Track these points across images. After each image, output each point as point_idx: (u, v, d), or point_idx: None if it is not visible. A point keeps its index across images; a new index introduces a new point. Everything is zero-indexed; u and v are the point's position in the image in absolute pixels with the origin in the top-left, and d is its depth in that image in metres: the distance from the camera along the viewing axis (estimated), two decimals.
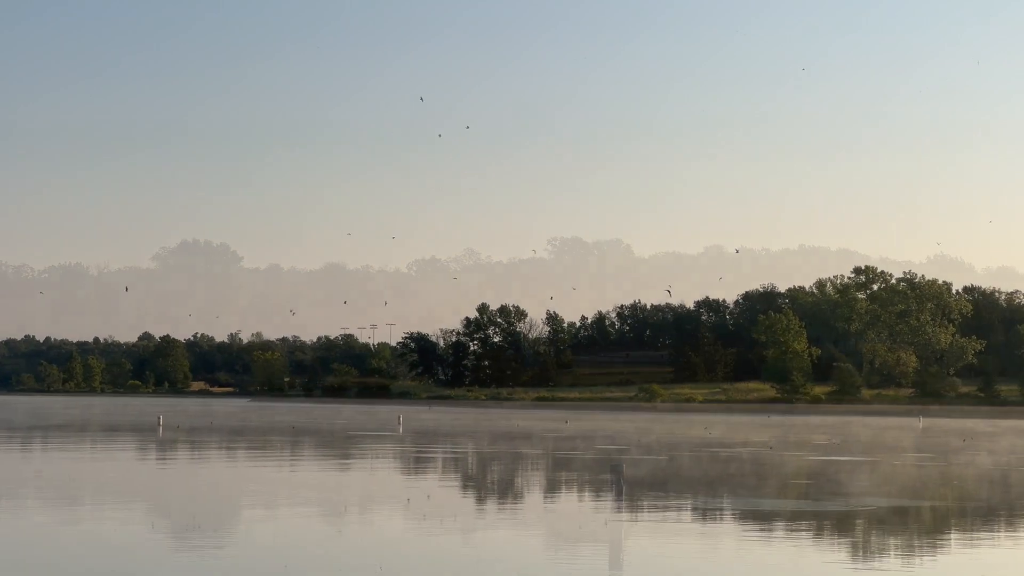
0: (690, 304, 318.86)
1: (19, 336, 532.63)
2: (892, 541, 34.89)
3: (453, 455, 75.00)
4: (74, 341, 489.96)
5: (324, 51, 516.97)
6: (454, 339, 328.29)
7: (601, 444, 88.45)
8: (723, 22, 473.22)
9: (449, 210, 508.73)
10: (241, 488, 49.77)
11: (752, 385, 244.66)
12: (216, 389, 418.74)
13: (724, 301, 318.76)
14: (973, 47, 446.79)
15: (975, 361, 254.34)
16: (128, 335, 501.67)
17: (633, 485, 51.13)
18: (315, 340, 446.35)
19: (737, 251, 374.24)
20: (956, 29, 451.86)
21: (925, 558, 31.29)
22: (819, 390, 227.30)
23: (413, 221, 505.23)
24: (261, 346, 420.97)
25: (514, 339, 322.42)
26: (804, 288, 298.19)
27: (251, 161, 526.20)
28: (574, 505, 44.86)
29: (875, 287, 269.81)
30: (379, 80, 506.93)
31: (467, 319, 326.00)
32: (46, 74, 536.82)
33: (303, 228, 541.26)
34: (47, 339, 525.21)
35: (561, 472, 61.34)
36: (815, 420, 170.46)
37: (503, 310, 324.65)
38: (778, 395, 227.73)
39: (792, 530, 36.75)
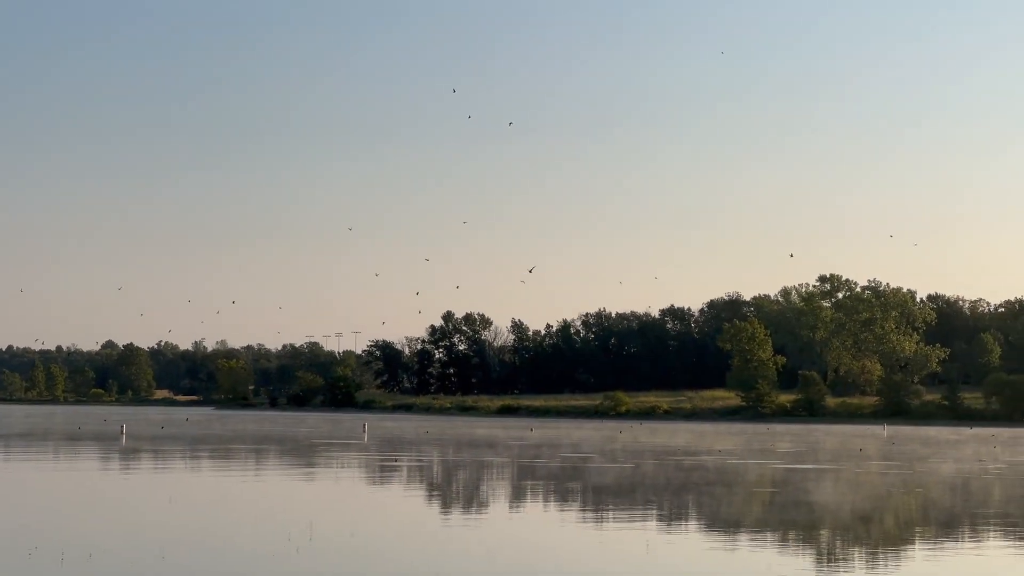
0: (655, 312, 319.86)
1: None
2: (855, 550, 34.89)
3: (419, 463, 74.76)
4: (36, 350, 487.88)
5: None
6: (419, 347, 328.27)
7: (565, 452, 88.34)
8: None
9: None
10: (201, 498, 49.42)
11: (717, 393, 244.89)
12: (180, 398, 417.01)
13: (689, 309, 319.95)
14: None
15: (939, 369, 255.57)
16: (91, 343, 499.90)
17: (599, 492, 51.02)
18: (280, 348, 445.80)
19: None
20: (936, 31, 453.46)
21: (889, 565, 31.28)
22: (784, 398, 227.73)
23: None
24: (225, 354, 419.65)
25: (479, 347, 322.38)
26: (769, 296, 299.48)
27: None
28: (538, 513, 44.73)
29: (840, 295, 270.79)
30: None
31: (432, 327, 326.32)
32: None
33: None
34: (9, 347, 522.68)
35: (526, 480, 61.19)
36: (779, 428, 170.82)
37: (468, 318, 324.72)
38: (743, 403, 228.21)
39: (755, 539, 36.71)
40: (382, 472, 67.18)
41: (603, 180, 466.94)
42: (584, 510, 45.65)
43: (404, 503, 48.67)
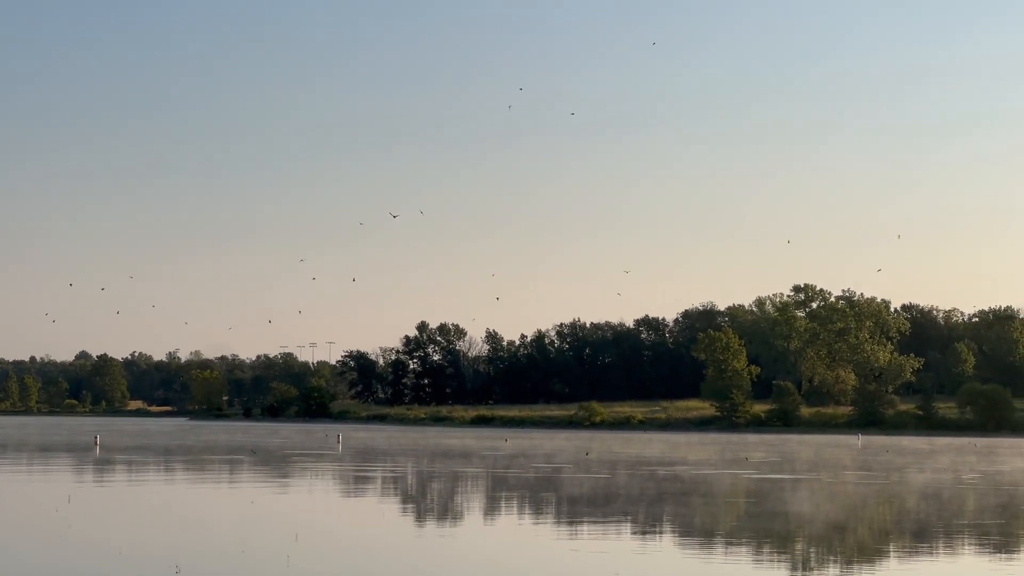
0: (630, 322, 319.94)
1: None
2: (830, 559, 34.86)
3: (393, 474, 74.59)
4: (10, 360, 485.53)
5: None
6: (393, 358, 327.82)
7: (539, 463, 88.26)
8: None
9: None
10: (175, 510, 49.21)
11: (691, 403, 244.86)
12: (154, 408, 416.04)
13: (663, 319, 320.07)
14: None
15: (914, 379, 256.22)
16: (65, 354, 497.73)
17: (573, 503, 50.93)
18: (254, 359, 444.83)
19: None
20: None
21: (863, 574, 31.27)
22: (759, 408, 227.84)
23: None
24: (199, 365, 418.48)
25: (454, 357, 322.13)
26: (744, 306, 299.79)
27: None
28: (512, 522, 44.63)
29: (814, 305, 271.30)
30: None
31: (407, 337, 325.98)
32: None
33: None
34: None
35: (500, 490, 61.09)
36: (754, 438, 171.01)
37: (442, 328, 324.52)
38: (718, 413, 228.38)
39: (730, 550, 36.65)
40: (359, 483, 67.02)
41: (578, 191, 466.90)
42: (558, 521, 45.56)
43: (381, 514, 48.52)
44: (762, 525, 43.71)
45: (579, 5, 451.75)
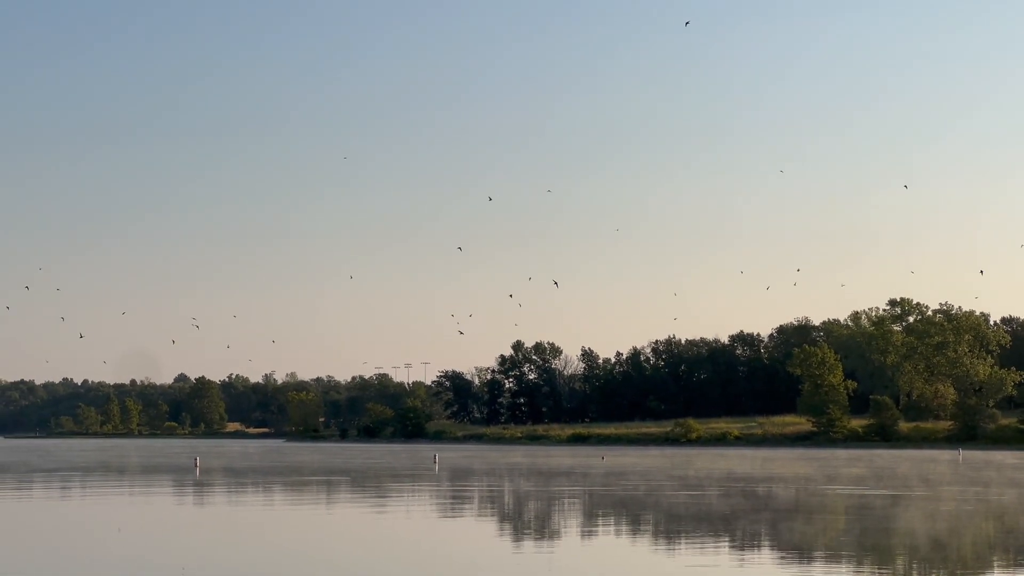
0: (725, 338, 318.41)
1: (57, 379, 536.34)
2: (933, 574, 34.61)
3: (491, 493, 74.83)
4: (111, 383, 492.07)
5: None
6: (489, 377, 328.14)
7: (635, 480, 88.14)
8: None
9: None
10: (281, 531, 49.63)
11: (788, 419, 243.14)
12: (251, 430, 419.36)
13: (759, 335, 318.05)
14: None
15: (1015, 393, 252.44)
16: (165, 377, 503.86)
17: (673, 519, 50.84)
18: (349, 380, 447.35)
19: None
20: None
21: None
22: (856, 423, 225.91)
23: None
24: (296, 387, 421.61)
25: (549, 376, 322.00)
26: (839, 321, 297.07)
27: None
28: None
29: (911, 319, 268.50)
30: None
31: (502, 357, 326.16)
32: None
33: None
34: (85, 381, 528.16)
35: (599, 508, 61.10)
36: (853, 454, 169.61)
37: (538, 347, 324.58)
38: (814, 428, 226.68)
39: (830, 566, 36.46)
40: (460, 501, 67.34)
41: (670, 208, 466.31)
42: (657, 537, 45.54)
43: (481, 532, 48.73)
44: (862, 541, 43.43)
45: None
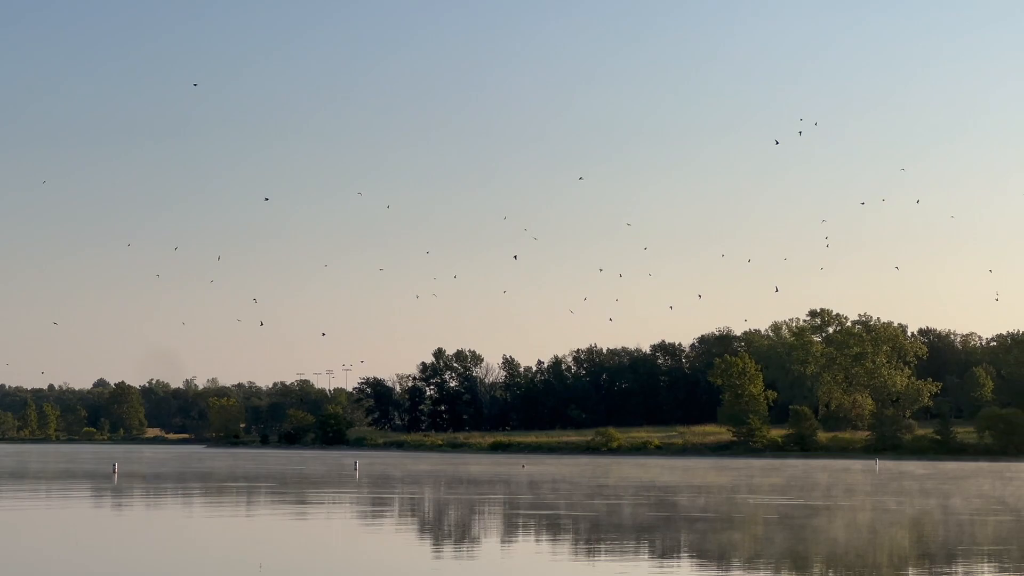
0: (646, 348, 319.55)
1: None
2: None
3: (411, 500, 74.76)
4: (28, 388, 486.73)
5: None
6: (410, 384, 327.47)
7: (559, 487, 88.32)
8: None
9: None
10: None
11: (708, 428, 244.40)
12: (171, 436, 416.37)
13: (680, 344, 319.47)
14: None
15: (931, 404, 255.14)
16: (83, 382, 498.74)
17: (593, 528, 50.99)
18: (271, 386, 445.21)
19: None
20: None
21: None
22: (775, 433, 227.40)
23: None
24: (217, 392, 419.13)
25: (471, 384, 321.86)
26: (760, 331, 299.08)
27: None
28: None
29: (831, 330, 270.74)
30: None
31: (423, 364, 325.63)
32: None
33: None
34: (1, 386, 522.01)
35: (517, 516, 61.22)
36: (771, 463, 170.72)
37: (459, 355, 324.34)
38: (734, 438, 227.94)
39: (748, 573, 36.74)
40: (381, 508, 67.24)
41: (594, 215, 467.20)
42: (577, 545, 45.70)
43: (400, 539, 48.72)
44: (779, 549, 43.78)
45: None
